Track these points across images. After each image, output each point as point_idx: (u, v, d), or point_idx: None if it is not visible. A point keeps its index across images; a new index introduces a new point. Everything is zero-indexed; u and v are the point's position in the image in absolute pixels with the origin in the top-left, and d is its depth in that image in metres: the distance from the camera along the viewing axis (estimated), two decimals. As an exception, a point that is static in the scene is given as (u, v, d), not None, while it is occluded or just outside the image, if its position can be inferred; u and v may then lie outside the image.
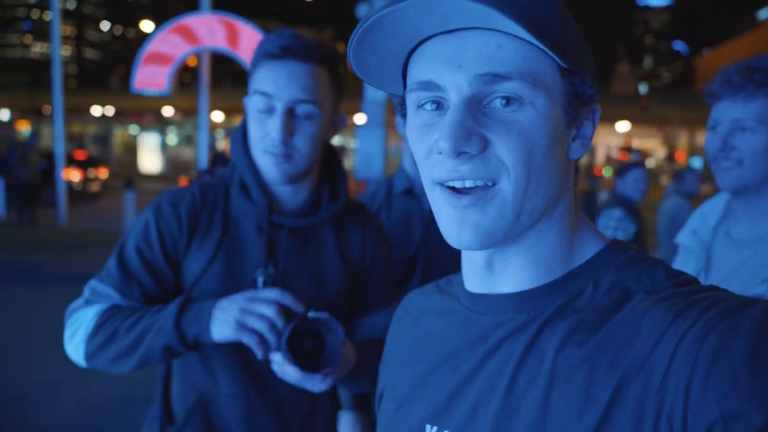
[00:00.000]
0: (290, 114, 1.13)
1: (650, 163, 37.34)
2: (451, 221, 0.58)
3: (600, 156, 40.59)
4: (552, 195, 0.59)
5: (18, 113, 34.64)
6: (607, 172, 31.96)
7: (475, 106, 0.55)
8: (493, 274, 0.63)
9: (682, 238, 1.47)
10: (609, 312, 0.55)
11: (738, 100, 1.26)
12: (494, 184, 0.56)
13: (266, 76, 1.13)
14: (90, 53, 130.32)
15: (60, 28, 11.33)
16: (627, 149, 41.04)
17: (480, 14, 0.51)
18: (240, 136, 1.25)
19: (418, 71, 0.58)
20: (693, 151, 37.36)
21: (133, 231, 1.21)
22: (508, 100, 0.54)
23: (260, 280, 1.17)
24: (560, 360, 0.55)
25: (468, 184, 0.56)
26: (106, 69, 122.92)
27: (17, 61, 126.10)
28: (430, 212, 1.94)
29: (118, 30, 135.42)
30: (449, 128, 0.53)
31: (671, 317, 0.51)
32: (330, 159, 1.30)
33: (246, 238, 1.20)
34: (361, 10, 7.65)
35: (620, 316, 0.54)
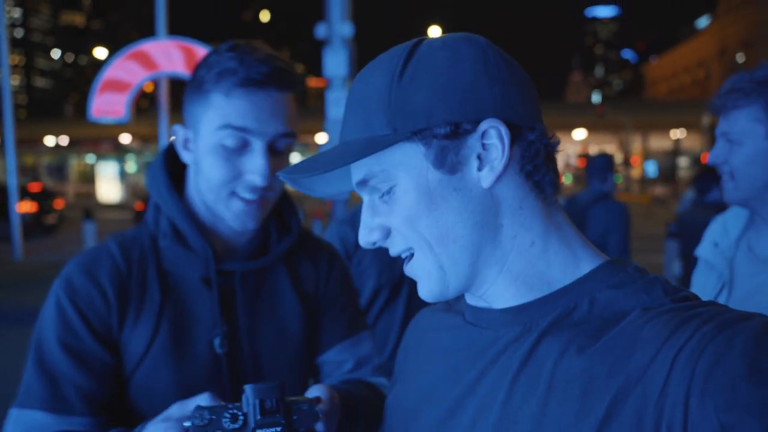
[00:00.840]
0: (270, 150, 0.97)
1: (608, 168, 38.28)
2: None
3: (559, 164, 41.34)
4: (468, 236, 0.61)
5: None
6: (567, 180, 32.75)
7: (378, 200, 0.64)
8: (482, 297, 0.65)
9: (703, 251, 1.39)
10: (606, 326, 0.56)
11: (724, 113, 1.25)
12: (412, 252, 0.64)
13: (244, 108, 0.93)
14: (40, 82, 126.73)
15: (8, 57, 11.01)
16: (585, 156, 42.15)
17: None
18: (163, 173, 1.03)
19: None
20: (647, 155, 38.67)
21: (45, 324, 0.92)
22: (385, 192, 0.63)
23: (217, 342, 0.98)
24: (558, 371, 0.56)
25: (403, 255, 0.66)
26: (58, 97, 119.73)
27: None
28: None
29: (70, 57, 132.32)
30: (361, 230, 0.66)
31: (669, 330, 0.52)
32: None
33: (192, 296, 0.99)
34: (320, 31, 7.68)
35: (618, 329, 0.55)
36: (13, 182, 11.19)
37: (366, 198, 0.66)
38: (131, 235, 1.03)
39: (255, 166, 0.95)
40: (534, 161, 0.62)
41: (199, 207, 1.03)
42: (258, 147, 0.95)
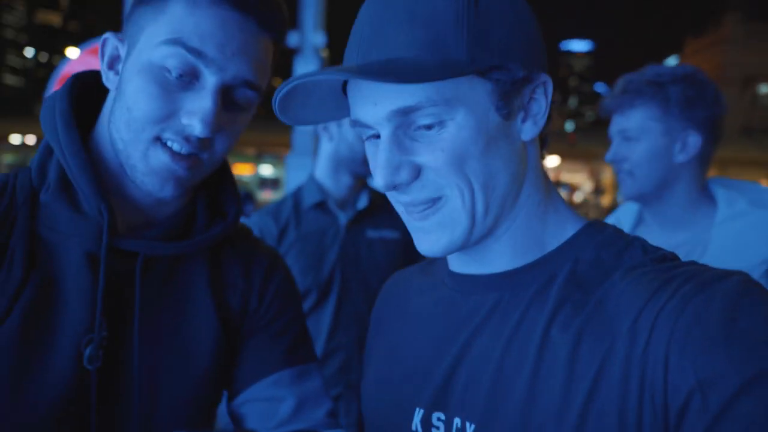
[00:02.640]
0: (223, 96, 0.72)
1: (578, 196, 39.06)
2: (414, 234, 0.63)
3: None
4: (507, 186, 0.60)
5: None
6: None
7: (403, 135, 0.58)
8: (475, 258, 0.64)
9: None
10: (592, 288, 0.57)
11: (620, 111, 1.32)
12: (440, 197, 0.59)
13: (207, 25, 0.69)
14: (11, 80, 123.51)
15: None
16: (557, 183, 42.87)
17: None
18: (64, 102, 0.75)
19: (350, 107, 0.62)
20: (618, 185, 39.42)
21: None
22: (429, 126, 0.57)
23: (87, 352, 0.70)
24: (548, 337, 0.56)
25: (417, 209, 0.60)
26: (29, 96, 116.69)
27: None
28: (347, 228, 1.73)
29: (44, 57, 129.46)
30: (379, 169, 0.58)
31: (650, 292, 0.53)
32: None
33: (67, 279, 0.70)
34: (292, 40, 7.54)
35: (602, 292, 0.56)
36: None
37: (387, 131, 0.58)
38: (1, 182, 0.73)
39: (198, 107, 0.70)
40: (548, 125, 0.63)
41: (107, 155, 0.75)
42: (210, 83, 0.70)
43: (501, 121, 0.59)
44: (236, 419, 0.83)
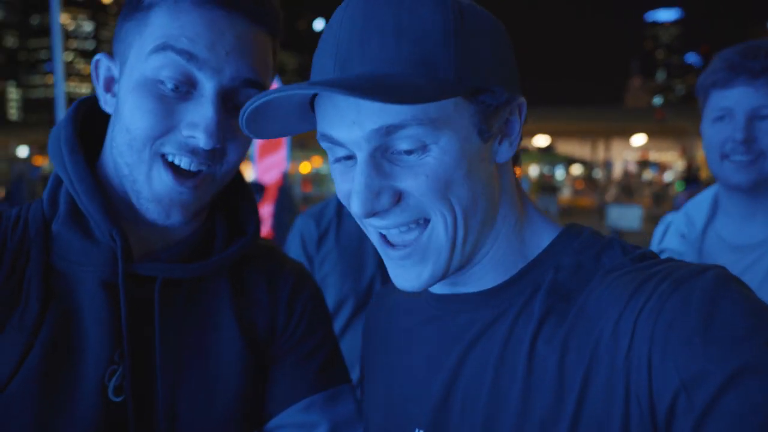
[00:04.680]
0: (225, 101, 0.68)
1: (669, 175, 36.56)
2: (391, 269, 0.60)
3: (617, 170, 39.88)
4: (486, 212, 0.59)
5: (36, 149, 35.33)
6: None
7: (381, 157, 0.55)
8: (457, 281, 0.63)
9: (670, 243, 1.34)
10: (573, 295, 0.57)
11: (757, 86, 1.12)
12: (425, 222, 0.57)
13: (195, 26, 0.66)
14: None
15: (62, 68, 11.44)
16: (644, 163, 40.31)
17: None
18: (68, 130, 0.73)
19: (320, 122, 0.58)
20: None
21: None
22: (410, 151, 0.54)
23: (112, 384, 0.67)
24: (535, 351, 0.56)
25: (393, 233, 0.58)
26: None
27: (42, 100, 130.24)
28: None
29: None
30: (357, 194, 0.54)
31: (629, 294, 0.52)
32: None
33: (85, 308, 0.68)
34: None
35: (582, 298, 0.56)
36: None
37: (364, 153, 0.55)
38: (12, 215, 0.72)
39: (199, 117, 0.65)
40: (519, 138, 0.62)
41: (114, 181, 0.72)
42: (208, 90, 0.66)
43: (481, 144, 0.57)
44: None
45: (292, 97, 0.57)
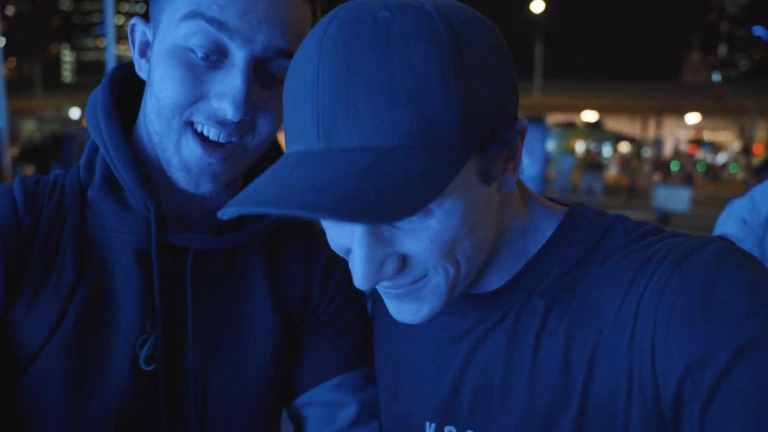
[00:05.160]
0: (255, 71, 0.65)
1: (723, 157, 34.87)
2: (387, 302, 0.57)
3: (668, 149, 38.29)
4: (489, 245, 0.57)
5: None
6: (674, 167, 30.14)
7: (385, 227, 0.50)
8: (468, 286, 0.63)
9: (730, 228, 1.31)
10: (576, 284, 0.56)
11: None
12: (425, 276, 0.53)
13: None
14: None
15: (113, 31, 11.69)
16: (697, 142, 38.55)
17: None
18: (105, 95, 0.72)
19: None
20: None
21: None
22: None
23: (143, 353, 0.68)
24: (540, 344, 0.56)
25: (395, 291, 0.54)
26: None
27: (94, 63, 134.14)
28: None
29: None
30: (359, 268, 0.49)
31: (629, 278, 0.51)
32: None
33: (118, 277, 0.68)
34: None
35: (584, 286, 0.55)
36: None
37: (360, 229, 0.49)
38: (50, 181, 0.71)
39: (228, 87, 0.63)
40: (518, 172, 0.59)
41: (148, 149, 0.71)
42: (238, 59, 0.64)
43: (486, 189, 0.52)
44: (296, 421, 0.80)
45: None
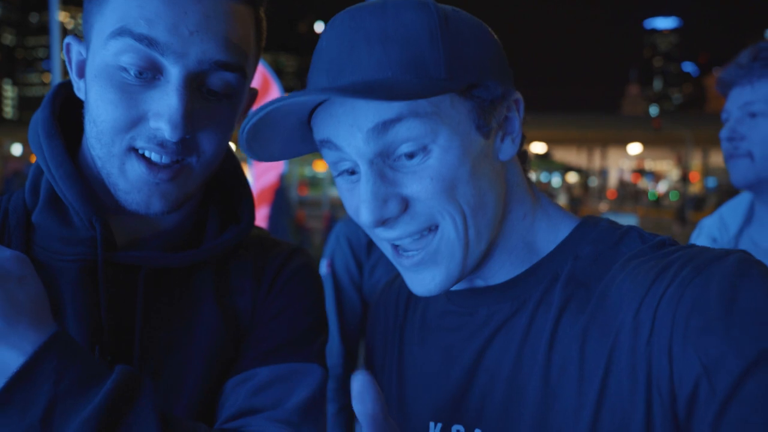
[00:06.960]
0: (193, 86, 0.62)
1: (663, 185, 36.69)
2: (406, 277, 0.61)
3: (612, 179, 39.99)
4: (495, 208, 0.59)
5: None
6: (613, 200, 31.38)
7: (383, 164, 0.56)
8: (473, 277, 0.64)
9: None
10: (593, 283, 0.57)
11: (746, 83, 1.13)
12: (436, 227, 0.57)
13: (149, 4, 0.59)
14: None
15: (60, 66, 11.40)
16: (640, 171, 40.47)
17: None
18: (48, 118, 0.69)
19: (318, 130, 0.59)
20: (707, 171, 36.70)
21: None
22: (411, 155, 0.55)
23: None
24: (555, 339, 0.56)
25: (406, 242, 0.58)
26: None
27: (38, 99, 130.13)
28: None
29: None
30: (365, 203, 0.55)
31: (650, 280, 0.52)
32: (223, 160, 0.74)
33: (66, 299, 0.65)
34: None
35: (603, 285, 0.56)
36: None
37: (366, 159, 0.56)
38: None
39: (163, 106, 0.60)
40: (523, 143, 0.63)
41: (94, 170, 0.68)
42: (173, 76, 0.60)
43: (482, 141, 0.58)
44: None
45: (289, 114, 0.57)
